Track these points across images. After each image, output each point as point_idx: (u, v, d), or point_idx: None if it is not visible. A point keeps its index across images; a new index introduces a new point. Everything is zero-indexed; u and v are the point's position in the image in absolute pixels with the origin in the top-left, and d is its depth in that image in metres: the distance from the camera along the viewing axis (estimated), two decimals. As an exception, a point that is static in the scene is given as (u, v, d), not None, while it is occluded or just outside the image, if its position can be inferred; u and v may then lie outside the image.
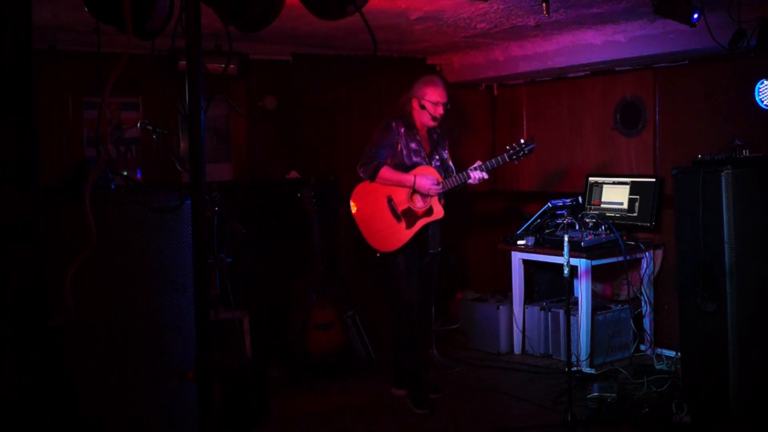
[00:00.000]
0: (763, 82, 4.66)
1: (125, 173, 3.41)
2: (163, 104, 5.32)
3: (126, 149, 5.39)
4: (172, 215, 2.94)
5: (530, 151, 4.67)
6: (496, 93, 6.93)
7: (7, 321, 1.63)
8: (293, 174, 5.70)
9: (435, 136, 4.83)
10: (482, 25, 4.96)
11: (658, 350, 5.53)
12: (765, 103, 4.69)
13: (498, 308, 5.85)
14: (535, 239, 5.66)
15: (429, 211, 4.66)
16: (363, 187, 4.75)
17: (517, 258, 5.83)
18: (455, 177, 4.64)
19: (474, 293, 6.21)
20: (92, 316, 2.78)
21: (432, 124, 4.72)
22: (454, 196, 4.92)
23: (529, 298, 5.94)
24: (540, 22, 4.84)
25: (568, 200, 4.49)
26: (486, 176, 4.64)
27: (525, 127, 6.72)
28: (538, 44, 5.66)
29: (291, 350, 5.33)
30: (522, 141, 4.68)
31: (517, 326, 5.83)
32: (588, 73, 6.06)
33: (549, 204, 5.41)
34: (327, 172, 5.79)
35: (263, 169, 5.84)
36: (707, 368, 4.29)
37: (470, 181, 4.63)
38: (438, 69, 6.46)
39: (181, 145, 5.45)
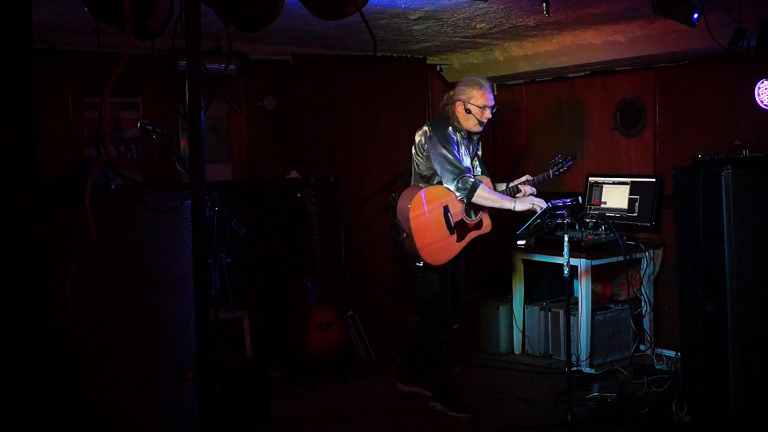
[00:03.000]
0: (763, 82, 4.66)
1: None
2: (163, 104, 5.33)
3: (126, 149, 5.39)
4: (172, 215, 2.94)
5: (569, 168, 4.65)
6: (496, 93, 6.93)
7: (7, 321, 1.63)
8: (293, 174, 5.70)
9: (475, 138, 4.65)
10: (482, 25, 4.96)
11: (658, 350, 5.53)
12: (765, 103, 4.69)
13: (498, 308, 5.85)
14: (535, 239, 5.66)
15: (479, 224, 4.52)
16: (426, 194, 4.41)
17: (517, 258, 5.83)
18: (504, 191, 4.56)
19: (474, 293, 6.20)
20: (92, 316, 2.78)
21: (478, 129, 4.49)
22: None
23: (529, 298, 5.93)
24: (540, 22, 4.84)
25: (568, 200, 4.48)
26: (534, 191, 4.58)
27: (525, 127, 6.73)
28: (538, 44, 5.66)
29: (291, 350, 5.33)
30: (559, 157, 4.64)
31: (517, 326, 5.83)
32: (588, 73, 6.06)
33: (549, 204, 5.40)
34: (327, 172, 5.79)
35: (263, 169, 5.85)
36: (707, 368, 4.28)
37: (518, 195, 4.54)
38: (438, 69, 6.46)
39: (181, 145, 5.46)
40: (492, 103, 4.48)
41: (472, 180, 4.34)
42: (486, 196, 4.37)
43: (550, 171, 4.60)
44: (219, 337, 4.75)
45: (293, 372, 5.24)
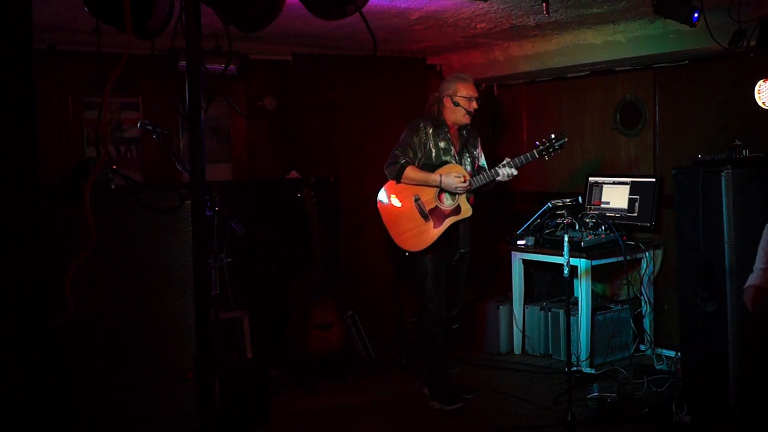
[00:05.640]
0: (763, 82, 4.66)
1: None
2: (163, 104, 5.32)
3: (126, 149, 5.39)
4: (172, 215, 2.94)
5: (561, 146, 4.59)
6: (496, 93, 6.94)
7: (7, 321, 1.63)
8: (293, 174, 5.70)
9: (465, 133, 4.77)
10: (482, 25, 4.96)
11: (658, 350, 5.52)
12: (765, 103, 4.69)
13: (498, 308, 5.85)
14: (535, 239, 5.67)
15: (457, 210, 4.62)
16: (390, 187, 4.71)
17: (517, 258, 5.83)
18: (483, 175, 4.60)
19: (474, 293, 6.20)
20: (92, 316, 2.78)
21: (466, 120, 4.67)
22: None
23: (529, 298, 5.93)
24: (540, 22, 4.84)
25: (568, 200, 4.48)
26: (515, 172, 4.56)
27: (525, 127, 6.73)
28: (538, 44, 5.66)
29: (291, 350, 5.33)
30: (552, 136, 4.60)
31: (517, 326, 5.83)
32: (588, 73, 6.06)
33: (549, 204, 5.40)
34: (327, 172, 5.79)
35: (263, 169, 5.85)
36: (707, 368, 4.28)
37: (499, 178, 4.57)
38: (438, 69, 6.46)
39: (181, 145, 5.46)
40: (476, 94, 4.70)
41: (401, 163, 4.56)
42: (413, 176, 4.59)
43: (534, 151, 4.59)
44: (219, 337, 4.75)
45: (293, 372, 5.24)
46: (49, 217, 2.50)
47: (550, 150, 4.59)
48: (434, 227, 4.60)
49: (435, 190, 4.61)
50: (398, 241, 4.65)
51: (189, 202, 2.87)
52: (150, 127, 4.10)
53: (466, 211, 4.64)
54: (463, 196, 4.62)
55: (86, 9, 2.08)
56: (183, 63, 2.54)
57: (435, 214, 4.62)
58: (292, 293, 5.39)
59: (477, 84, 6.70)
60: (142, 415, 2.93)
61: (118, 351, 2.87)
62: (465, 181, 4.56)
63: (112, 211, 2.85)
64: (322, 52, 5.76)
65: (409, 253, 4.64)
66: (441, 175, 4.57)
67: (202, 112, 1.86)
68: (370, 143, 6.05)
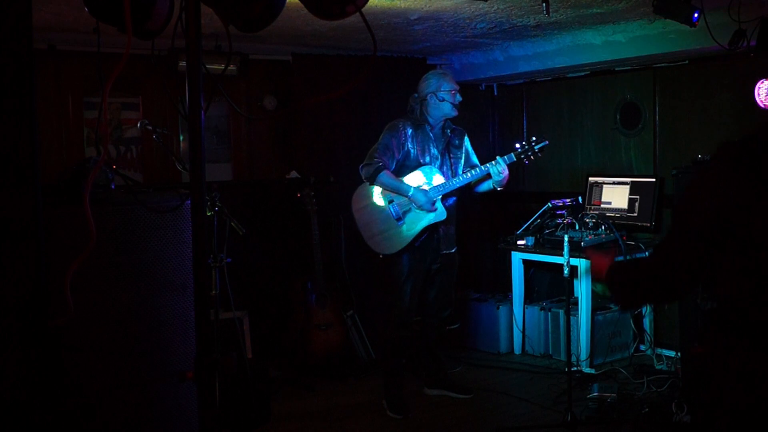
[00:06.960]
0: (763, 82, 4.65)
1: None
2: (163, 104, 5.33)
3: (126, 149, 5.39)
4: (172, 215, 2.94)
5: (541, 149, 4.54)
6: (496, 93, 6.94)
7: (7, 321, 1.63)
8: (293, 174, 5.70)
9: (449, 132, 4.67)
10: (482, 25, 4.96)
11: (658, 350, 5.53)
12: (765, 103, 4.68)
13: (498, 308, 5.85)
14: (535, 239, 5.66)
15: (431, 213, 4.57)
16: (364, 188, 4.65)
17: (517, 258, 5.83)
18: (469, 173, 4.56)
19: (474, 293, 6.20)
20: (92, 316, 2.78)
21: (455, 113, 4.58)
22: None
23: (529, 298, 5.94)
24: (540, 22, 4.84)
25: (568, 200, 4.47)
26: (502, 167, 4.45)
27: (525, 127, 6.73)
28: (538, 44, 5.66)
29: (291, 350, 5.33)
30: (533, 138, 4.56)
31: (517, 326, 5.83)
32: (588, 73, 6.07)
33: (549, 204, 5.40)
34: (327, 172, 5.79)
35: (263, 169, 5.85)
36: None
37: (494, 176, 4.48)
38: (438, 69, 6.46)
39: (181, 145, 5.46)
40: (458, 87, 4.62)
41: (377, 166, 4.50)
42: (385, 182, 4.53)
43: (512, 154, 4.54)
44: (219, 337, 4.75)
45: (293, 372, 5.24)
46: (49, 217, 2.50)
47: (529, 153, 4.53)
48: (407, 230, 4.55)
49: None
50: (370, 244, 4.60)
51: (189, 202, 2.87)
52: (150, 127, 4.10)
53: (440, 213, 4.57)
54: (439, 198, 4.56)
55: (86, 9, 2.07)
56: (183, 63, 2.54)
57: (408, 216, 4.57)
58: (292, 293, 5.39)
59: (477, 84, 6.76)
60: (142, 415, 2.93)
61: (118, 351, 2.86)
62: (433, 204, 4.50)
63: (112, 211, 2.85)
64: (322, 52, 5.76)
65: (384, 255, 4.59)
66: (412, 190, 4.49)
67: (202, 112, 1.86)
68: (370, 143, 6.03)
